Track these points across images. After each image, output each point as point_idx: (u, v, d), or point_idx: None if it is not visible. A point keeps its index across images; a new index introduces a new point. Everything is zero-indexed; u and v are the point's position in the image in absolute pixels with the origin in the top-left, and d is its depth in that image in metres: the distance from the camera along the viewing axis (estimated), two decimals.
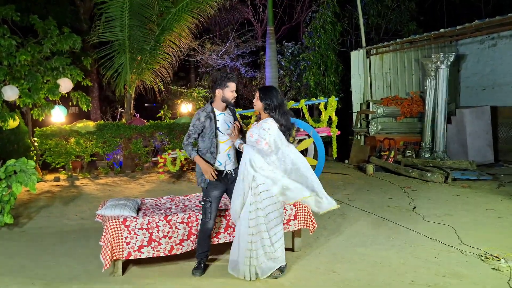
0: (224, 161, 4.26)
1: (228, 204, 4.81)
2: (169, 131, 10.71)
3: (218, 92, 4.22)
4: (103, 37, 10.50)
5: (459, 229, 5.57)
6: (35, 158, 10.13)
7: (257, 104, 4.21)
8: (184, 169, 10.54)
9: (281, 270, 4.17)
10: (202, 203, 4.24)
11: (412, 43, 12.07)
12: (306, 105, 8.40)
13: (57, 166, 10.20)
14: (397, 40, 12.24)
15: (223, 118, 4.27)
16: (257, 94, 4.22)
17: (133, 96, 11.36)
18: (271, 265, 4.12)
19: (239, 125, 4.31)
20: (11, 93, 9.00)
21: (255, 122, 4.34)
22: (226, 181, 4.29)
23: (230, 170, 4.29)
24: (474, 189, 8.07)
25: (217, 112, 4.25)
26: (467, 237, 5.23)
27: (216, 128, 4.20)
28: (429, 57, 10.73)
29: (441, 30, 10.77)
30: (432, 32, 10.94)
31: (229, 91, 4.21)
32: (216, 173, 4.15)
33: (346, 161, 11.80)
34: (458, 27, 10.11)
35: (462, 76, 12.28)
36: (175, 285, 4.04)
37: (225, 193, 4.40)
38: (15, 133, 10.09)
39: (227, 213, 4.57)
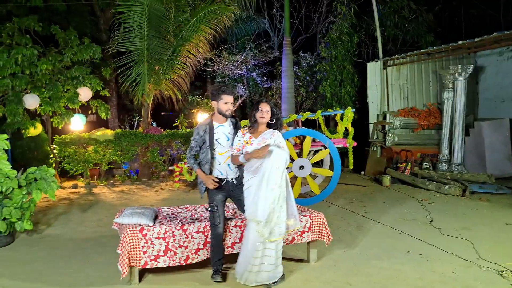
0: (225, 171, 4.36)
1: (240, 213, 4.83)
2: (185, 140, 10.79)
3: (214, 104, 4.34)
4: (122, 47, 10.67)
5: (477, 244, 5.49)
6: (53, 165, 10.30)
7: (267, 116, 4.22)
8: None
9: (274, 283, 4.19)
10: (209, 208, 4.34)
11: (430, 54, 12.01)
12: (322, 116, 8.40)
13: (75, 174, 10.35)
14: (415, 51, 12.19)
15: (222, 130, 4.35)
16: (266, 107, 4.20)
17: (150, 105, 11.50)
18: (270, 276, 4.14)
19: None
20: (32, 101, 9.21)
21: (246, 129, 4.32)
22: (228, 188, 4.37)
23: (231, 179, 4.37)
24: (492, 203, 7.95)
25: (215, 124, 4.35)
26: (485, 252, 5.15)
27: (215, 140, 4.29)
28: (447, 69, 10.66)
29: (459, 42, 10.69)
30: (450, 44, 10.87)
31: (223, 103, 4.28)
32: (217, 180, 4.26)
33: (362, 172, 11.74)
34: (476, 39, 10.03)
35: (481, 88, 12.15)
36: None
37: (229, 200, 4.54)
38: (35, 140, 10.29)
39: (242, 223, 4.58)
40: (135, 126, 14.36)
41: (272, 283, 4.15)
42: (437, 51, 11.73)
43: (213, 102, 4.32)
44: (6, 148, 5.51)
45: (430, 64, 12.32)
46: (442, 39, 14.47)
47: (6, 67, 8.91)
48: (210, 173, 4.32)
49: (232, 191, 4.37)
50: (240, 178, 4.38)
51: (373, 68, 12.41)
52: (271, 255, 4.10)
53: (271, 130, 4.26)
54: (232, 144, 4.32)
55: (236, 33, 15.30)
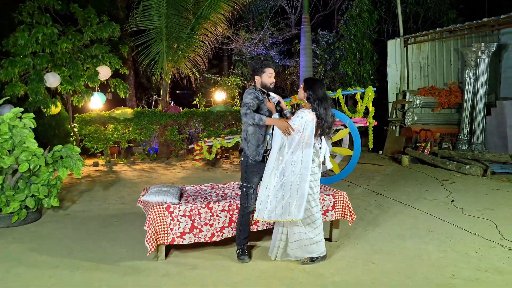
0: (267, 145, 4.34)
1: None
2: (204, 119, 10.83)
3: (257, 78, 4.30)
4: (141, 25, 10.66)
5: (500, 224, 5.48)
6: (74, 143, 10.45)
7: (300, 93, 4.27)
8: (218, 156, 10.67)
9: (312, 259, 4.24)
10: (244, 189, 4.30)
11: (452, 32, 11.77)
12: (342, 94, 8.35)
13: (95, 152, 10.49)
14: (437, 29, 11.95)
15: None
16: (302, 84, 4.28)
17: (169, 84, 11.52)
18: (297, 254, 4.24)
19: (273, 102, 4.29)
20: (53, 80, 9.29)
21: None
22: (263, 166, 4.29)
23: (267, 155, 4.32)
24: None
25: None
26: (508, 232, 5.14)
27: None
28: (469, 47, 10.47)
29: (484, 19, 10.45)
30: (474, 21, 10.63)
31: (267, 76, 4.26)
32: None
33: (380, 152, 11.69)
34: (502, 16, 9.79)
35: (504, 66, 11.88)
36: (216, 270, 4.12)
37: None
38: (56, 119, 10.42)
39: None
40: (153, 104, 14.43)
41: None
42: (460, 29, 11.48)
43: (256, 77, 4.29)
44: (33, 127, 5.60)
45: (452, 42, 12.08)
46: (465, 16, 14.16)
47: (27, 46, 8.98)
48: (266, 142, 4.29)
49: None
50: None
51: (393, 46, 12.24)
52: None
53: (302, 109, 4.19)
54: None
55: (253, 11, 15.14)
